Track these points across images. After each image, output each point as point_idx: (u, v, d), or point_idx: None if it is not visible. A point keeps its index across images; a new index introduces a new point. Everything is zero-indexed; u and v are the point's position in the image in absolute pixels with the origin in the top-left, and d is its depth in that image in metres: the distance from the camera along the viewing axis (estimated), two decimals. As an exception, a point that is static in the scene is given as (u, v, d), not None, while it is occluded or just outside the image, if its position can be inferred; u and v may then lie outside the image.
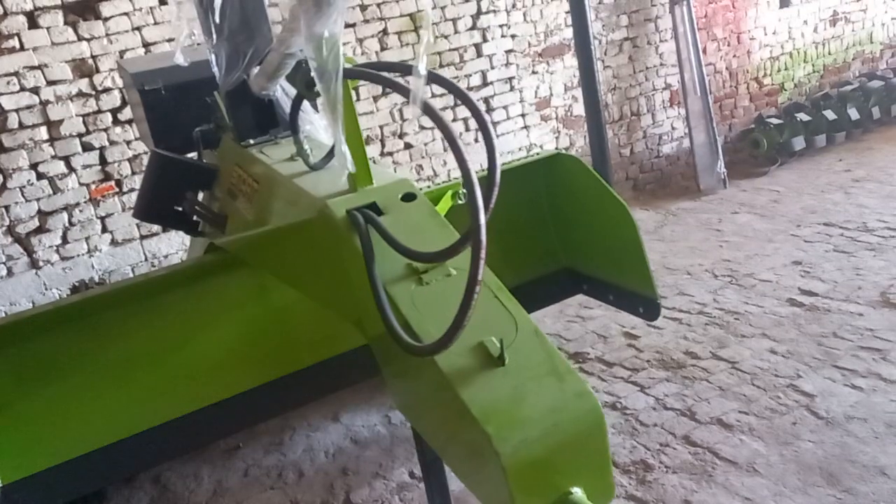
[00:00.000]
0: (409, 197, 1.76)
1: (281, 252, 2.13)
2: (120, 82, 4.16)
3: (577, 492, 1.25)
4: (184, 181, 2.82)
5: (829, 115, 6.44)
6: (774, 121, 6.32)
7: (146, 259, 4.39)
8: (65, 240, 4.18)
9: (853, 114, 6.54)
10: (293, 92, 2.60)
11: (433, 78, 1.37)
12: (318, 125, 2.59)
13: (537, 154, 3.41)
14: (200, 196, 2.94)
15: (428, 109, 1.34)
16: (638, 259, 2.93)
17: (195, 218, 2.92)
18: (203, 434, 3.09)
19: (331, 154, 2.08)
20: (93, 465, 2.83)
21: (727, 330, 3.66)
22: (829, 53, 7.15)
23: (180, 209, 2.89)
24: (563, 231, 3.25)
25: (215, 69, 2.41)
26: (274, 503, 3.02)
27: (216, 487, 3.22)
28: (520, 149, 5.55)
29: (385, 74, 1.57)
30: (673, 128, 6.33)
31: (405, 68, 1.56)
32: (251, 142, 2.60)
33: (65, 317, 2.77)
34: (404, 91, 1.42)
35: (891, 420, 2.74)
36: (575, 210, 3.13)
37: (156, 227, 4.39)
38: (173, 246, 4.46)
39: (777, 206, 5.40)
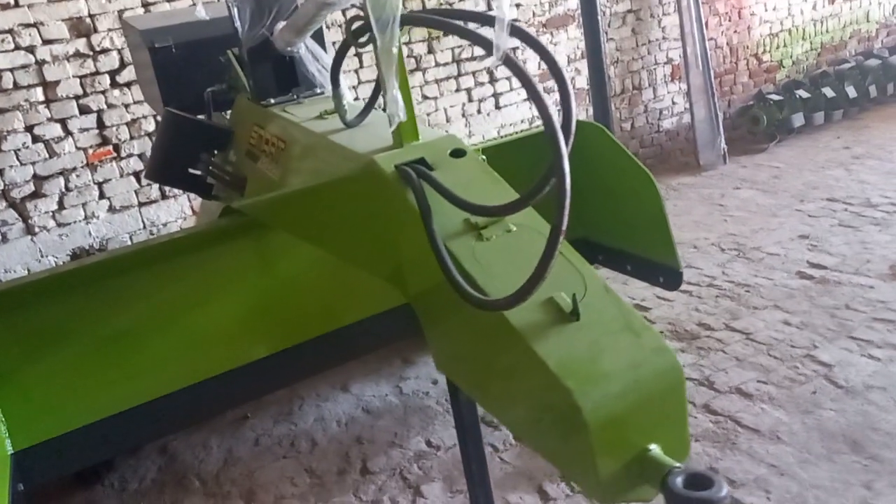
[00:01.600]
0: (458, 153, 1.69)
1: (313, 212, 2.06)
2: (119, 43, 4.02)
3: (655, 449, 1.22)
4: (198, 142, 2.73)
5: (828, 92, 6.45)
6: (774, 97, 6.31)
7: (144, 227, 4.29)
8: (61, 205, 4.06)
9: (851, 92, 6.56)
10: (316, 48, 2.53)
11: (515, 30, 1.30)
12: (343, 84, 2.52)
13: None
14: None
15: (509, 61, 1.27)
16: (661, 228, 2.90)
17: (209, 180, 2.84)
18: (217, 402, 3.03)
19: (367, 111, 2.01)
20: (105, 433, 2.76)
21: (739, 302, 3.65)
22: (827, 31, 7.15)
23: (194, 171, 2.81)
24: (578, 200, 3.20)
25: (237, 24, 2.32)
26: (288, 471, 2.97)
27: (226, 457, 3.17)
28: (522, 121, 5.49)
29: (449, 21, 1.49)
30: (673, 102, 6.30)
31: (471, 15, 1.49)
32: (272, 101, 2.51)
33: (74, 282, 2.68)
34: (474, 38, 1.35)
35: (909, 390, 2.76)
36: (593, 179, 3.09)
37: (154, 194, 4.29)
38: (172, 214, 4.36)
39: (779, 182, 5.40)
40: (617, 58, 5.86)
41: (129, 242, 4.23)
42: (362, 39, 1.66)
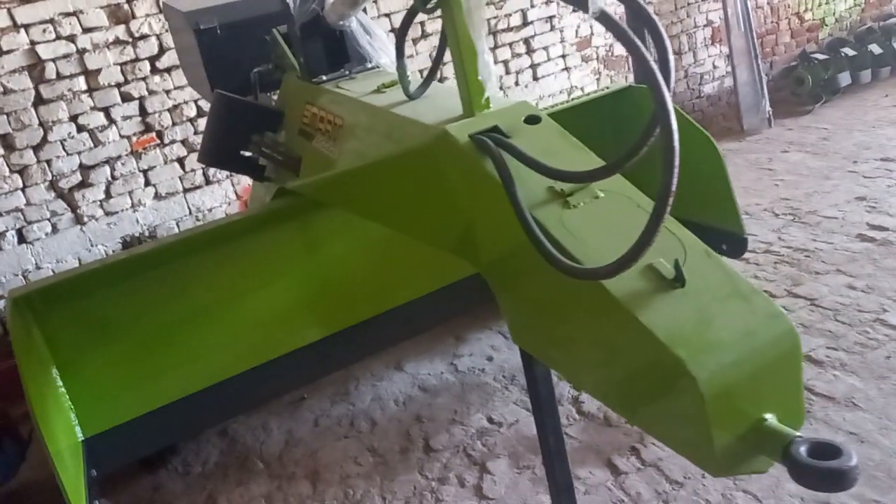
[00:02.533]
0: (533, 119, 1.63)
1: (377, 187, 2.02)
2: (157, 28, 4.00)
3: (771, 418, 1.16)
4: (249, 123, 2.70)
5: (875, 49, 6.23)
6: (819, 56, 6.11)
7: (190, 213, 4.29)
8: (108, 194, 4.08)
9: (899, 47, 6.33)
10: (367, 21, 2.47)
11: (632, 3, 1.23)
12: (393, 56, 2.46)
13: (606, 88, 3.27)
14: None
15: (603, 16, 1.21)
16: (724, 194, 2.82)
17: (261, 162, 2.81)
18: (278, 385, 3.05)
19: (428, 82, 1.95)
20: (170, 418, 2.78)
21: (799, 267, 3.55)
22: (871, -15, 6.90)
23: (245, 153, 2.78)
24: (635, 168, 3.14)
25: (290, 0, 2.27)
26: (351, 451, 2.97)
27: (287, 438, 3.18)
28: (560, 91, 5.39)
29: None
30: (714, 66, 6.14)
31: None
32: (324, 78, 2.47)
33: (135, 269, 2.69)
34: None
35: None
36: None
37: (198, 180, 4.28)
38: (217, 199, 4.35)
39: (828, 144, 5.24)
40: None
41: (176, 229, 4.23)
42: (430, 5, 1.61)
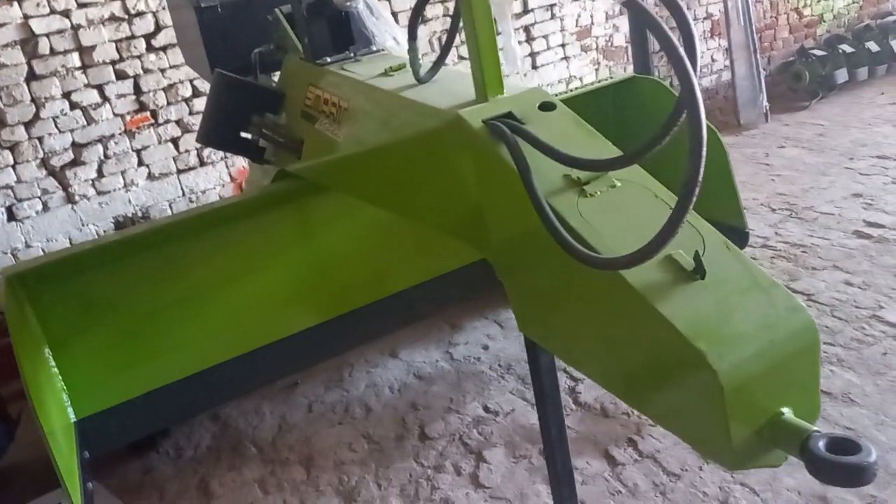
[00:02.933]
0: (547, 106, 1.60)
1: (383, 171, 1.99)
2: (154, 5, 3.93)
3: (788, 412, 1.15)
4: (250, 104, 2.66)
5: (873, 47, 6.24)
6: (817, 52, 6.12)
7: (183, 194, 4.24)
8: (100, 173, 4.01)
9: (895, 46, 6.34)
10: (374, 4, 2.43)
11: None
12: (401, 39, 2.43)
13: (609, 79, 3.25)
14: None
15: (631, 3, 1.18)
16: (727, 188, 2.81)
17: (261, 143, 2.77)
18: (274, 370, 3.02)
19: (438, 66, 1.92)
20: (164, 401, 2.75)
21: (796, 263, 3.56)
22: (870, -17, 6.91)
23: (245, 135, 2.74)
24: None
25: None
26: (345, 438, 2.95)
27: (280, 423, 3.15)
28: (559, 81, 5.36)
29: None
30: (713, 60, 6.13)
31: None
32: (328, 60, 2.43)
33: (129, 249, 2.65)
34: None
35: None
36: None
37: (192, 161, 4.23)
38: (210, 181, 4.30)
39: (825, 140, 5.25)
40: (656, 13, 5.66)
41: (169, 210, 4.18)
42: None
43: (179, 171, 4.20)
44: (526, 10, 5.08)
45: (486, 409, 2.95)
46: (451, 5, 4.84)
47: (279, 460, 2.91)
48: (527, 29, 5.10)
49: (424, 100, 1.75)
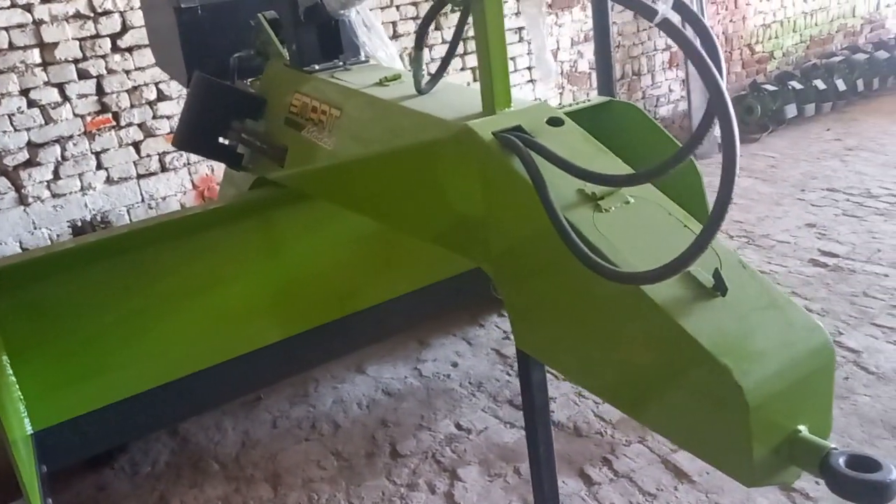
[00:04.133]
0: (556, 121, 1.61)
1: (379, 181, 1.97)
2: (122, 5, 3.82)
3: (804, 430, 1.17)
4: (231, 109, 2.60)
5: (819, 84, 6.53)
6: (769, 87, 6.36)
7: (143, 200, 4.10)
8: (56, 175, 3.85)
9: (840, 84, 6.65)
10: (368, 14, 2.41)
11: (685, 11, 1.21)
12: (392, 51, 2.42)
13: (585, 101, 3.29)
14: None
15: (667, 24, 1.19)
16: (700, 210, 2.87)
17: (239, 150, 2.71)
18: (242, 383, 2.95)
19: (437, 77, 1.92)
20: (124, 414, 2.64)
21: (756, 288, 3.65)
22: (816, 24, 7.23)
23: (223, 140, 2.68)
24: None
25: None
26: (313, 454, 2.88)
27: (244, 439, 3.05)
28: (524, 103, 5.41)
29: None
30: (670, 90, 6.30)
31: None
32: (316, 67, 2.39)
33: (95, 255, 2.55)
34: (627, 2, 1.26)
35: (941, 376, 2.79)
36: (629, 161, 3.05)
37: (154, 166, 4.10)
38: (172, 187, 4.18)
39: (777, 171, 5.45)
40: (619, 42, 5.82)
41: (127, 216, 4.04)
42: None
43: (140, 176, 4.06)
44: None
45: (459, 426, 2.92)
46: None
47: (244, 477, 2.81)
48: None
49: (429, 111, 1.73)
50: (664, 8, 1.17)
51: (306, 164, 2.29)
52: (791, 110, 6.32)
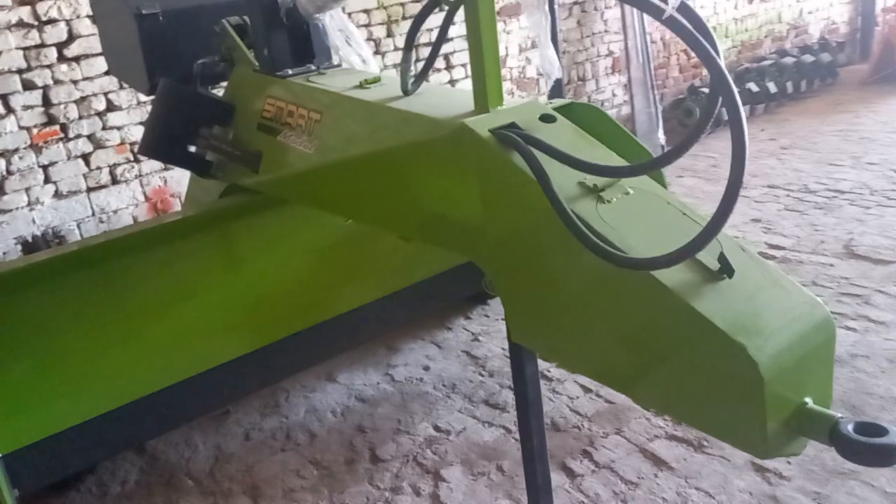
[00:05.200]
0: (548, 118, 1.65)
1: (368, 182, 1.97)
2: (67, 13, 3.71)
3: (810, 401, 1.24)
4: (199, 116, 2.55)
5: (753, 87, 6.83)
6: (707, 90, 6.60)
7: (93, 213, 3.97)
8: (2, 190, 3.69)
9: (771, 87, 6.97)
10: (342, 18, 2.42)
11: (685, 10, 1.27)
12: (367, 54, 2.43)
13: (549, 103, 3.36)
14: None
15: (672, 21, 1.24)
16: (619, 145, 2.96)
17: (208, 157, 2.66)
18: (216, 396, 2.89)
19: (421, 79, 1.94)
20: (96, 434, 2.56)
21: (712, 281, 3.79)
22: (746, 30, 7.56)
23: (192, 148, 2.63)
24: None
25: None
26: (291, 464, 2.84)
27: (216, 453, 2.99)
28: (475, 108, 5.47)
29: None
30: (614, 94, 6.48)
31: None
32: (289, 72, 2.38)
33: (57, 270, 2.46)
34: (634, 1, 1.30)
35: (891, 356, 2.95)
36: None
37: (104, 179, 3.98)
38: (123, 200, 4.06)
39: (718, 171, 5.67)
40: (564, 48, 5.96)
41: (77, 230, 3.91)
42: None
43: (90, 189, 3.94)
44: (447, 39, 5.17)
45: (437, 428, 2.93)
46: (374, 30, 4.87)
47: (221, 492, 2.76)
48: (447, 57, 5.21)
49: (421, 110, 1.75)
50: (671, 7, 1.22)
51: (284, 169, 2.27)
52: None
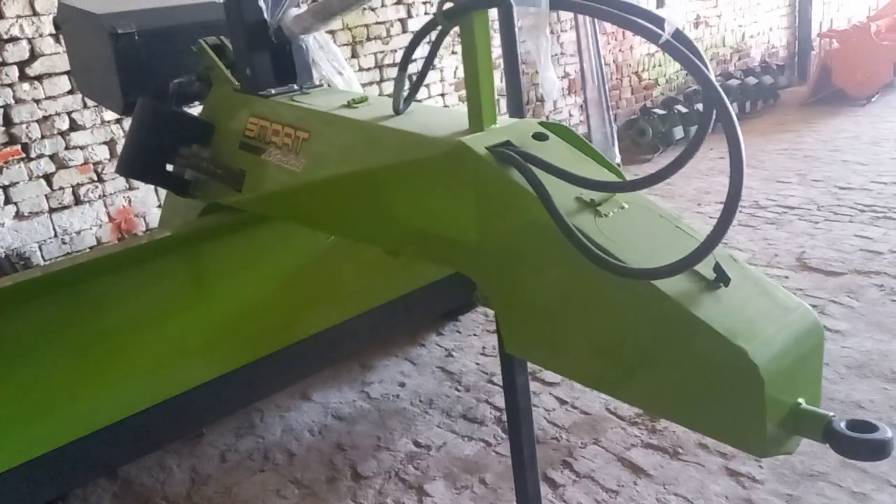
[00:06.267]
0: (540, 136, 1.72)
1: (359, 199, 2.00)
2: (30, 31, 3.64)
3: (803, 402, 1.31)
4: (178, 136, 2.55)
5: (701, 108, 7.07)
6: (658, 111, 6.83)
7: (55, 235, 3.88)
8: (-41, 211, 3.60)
9: (718, 108, 7.23)
10: (325, 39, 2.45)
11: (678, 35, 1.34)
12: (349, 74, 2.47)
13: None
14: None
15: (668, 45, 1.32)
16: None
17: (186, 176, 2.65)
18: (193, 419, 2.86)
19: (410, 98, 2.00)
20: (65, 462, 2.50)
21: (675, 294, 3.92)
22: (693, 53, 7.85)
23: (169, 167, 2.62)
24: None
25: (261, 2, 2.21)
26: (271, 484, 2.82)
27: (192, 476, 2.95)
28: (438, 128, 5.56)
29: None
30: (570, 115, 6.65)
31: (625, 6, 1.44)
32: (272, 92, 2.40)
33: (25, 294, 2.42)
34: (633, 26, 1.37)
35: (847, 363, 3.10)
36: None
37: (67, 199, 3.91)
38: (87, 221, 3.98)
39: (673, 188, 5.85)
40: (523, 70, 6.07)
41: (39, 252, 3.81)
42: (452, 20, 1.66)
43: (52, 210, 3.85)
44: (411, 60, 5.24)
45: (417, 444, 2.95)
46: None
47: (200, 514, 2.72)
48: (410, 77, 5.25)
49: (416, 129, 1.80)
50: (667, 33, 1.30)
51: (270, 187, 2.28)
52: (679, 132, 6.82)
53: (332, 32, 4.84)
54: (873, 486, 2.40)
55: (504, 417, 3.04)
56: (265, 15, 2.24)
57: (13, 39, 3.61)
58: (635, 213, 1.55)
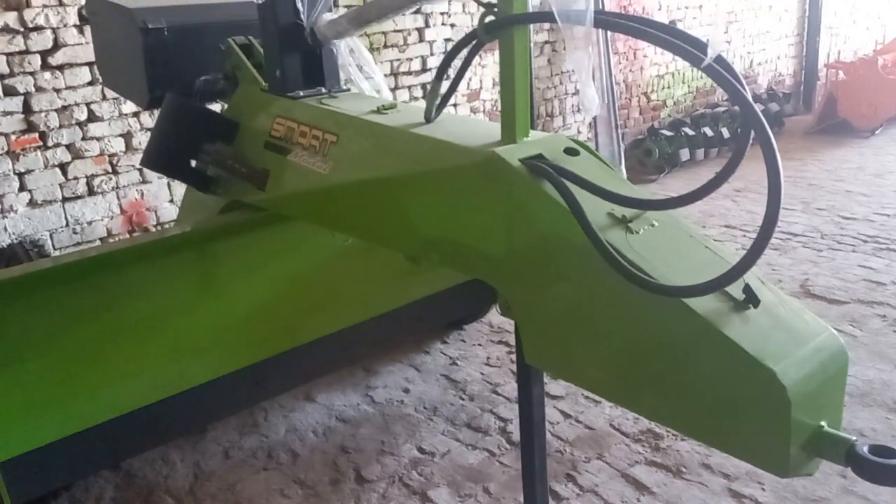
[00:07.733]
0: (572, 151, 1.75)
1: (387, 205, 2.02)
2: (55, 21, 3.67)
3: (825, 425, 1.34)
4: (203, 132, 2.56)
5: (708, 131, 7.15)
6: (665, 132, 6.89)
7: (67, 224, 3.89)
8: (-27, 196, 3.61)
9: (724, 132, 7.31)
10: (357, 44, 2.48)
11: (720, 59, 1.37)
12: (379, 79, 2.50)
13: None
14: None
15: (710, 69, 1.35)
16: None
17: (209, 173, 2.67)
18: (201, 415, 2.87)
19: (442, 107, 2.02)
20: (74, 451, 2.51)
21: (680, 315, 3.95)
22: (701, 77, 7.93)
23: (193, 162, 2.64)
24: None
25: (299, 4, 2.24)
26: (275, 483, 2.82)
27: (195, 472, 2.95)
28: (449, 138, 5.59)
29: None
30: (579, 131, 6.70)
31: (667, 29, 1.47)
32: (300, 94, 2.43)
33: (34, 285, 2.44)
34: (674, 48, 1.39)
35: (850, 391, 3.13)
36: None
37: (81, 189, 3.92)
38: (99, 212, 3.99)
39: (677, 210, 5.88)
40: (535, 85, 6.14)
41: (50, 241, 3.82)
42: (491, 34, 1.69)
43: (65, 200, 3.86)
44: (425, 69, 5.31)
45: (422, 450, 2.96)
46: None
47: (203, 510, 2.72)
48: (424, 86, 5.31)
49: (449, 138, 1.82)
50: (709, 57, 1.33)
51: (294, 188, 2.30)
52: (684, 154, 6.88)
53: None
54: (874, 514, 2.43)
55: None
56: (301, 17, 2.26)
57: (38, 28, 3.63)
58: (665, 231, 1.58)
